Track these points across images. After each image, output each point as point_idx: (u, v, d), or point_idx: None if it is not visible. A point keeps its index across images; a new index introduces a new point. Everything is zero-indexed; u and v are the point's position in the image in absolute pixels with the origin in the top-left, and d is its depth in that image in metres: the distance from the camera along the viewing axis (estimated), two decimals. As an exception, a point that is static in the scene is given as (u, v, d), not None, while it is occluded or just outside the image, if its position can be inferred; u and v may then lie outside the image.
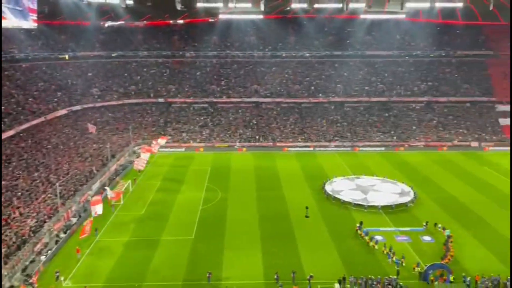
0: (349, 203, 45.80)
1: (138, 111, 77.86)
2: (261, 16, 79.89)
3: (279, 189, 51.32)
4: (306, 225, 40.91)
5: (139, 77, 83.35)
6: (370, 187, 50.49)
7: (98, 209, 39.21)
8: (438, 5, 68.36)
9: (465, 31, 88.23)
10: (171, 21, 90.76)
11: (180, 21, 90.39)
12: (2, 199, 38.98)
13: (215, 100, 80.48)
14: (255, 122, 77.05)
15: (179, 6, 56.50)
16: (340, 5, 65.03)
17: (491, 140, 71.91)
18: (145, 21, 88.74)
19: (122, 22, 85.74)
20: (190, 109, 79.97)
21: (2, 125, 51.11)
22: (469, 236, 38.25)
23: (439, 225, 39.81)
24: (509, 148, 69.44)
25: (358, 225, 39.55)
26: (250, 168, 60.55)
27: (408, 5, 65.44)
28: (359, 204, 45.25)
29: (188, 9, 65.69)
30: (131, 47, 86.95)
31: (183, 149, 70.14)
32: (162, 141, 66.41)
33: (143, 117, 77.11)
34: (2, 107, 54.81)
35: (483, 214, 43.35)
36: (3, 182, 41.77)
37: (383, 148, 70.42)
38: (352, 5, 65.06)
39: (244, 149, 70.40)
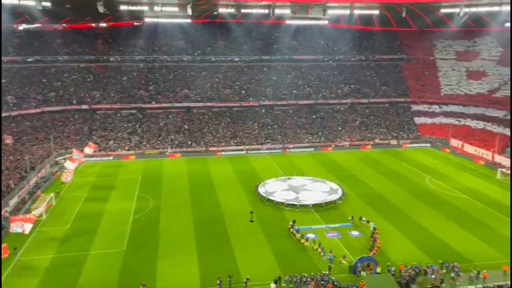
0: (282, 203, 46.89)
1: (60, 119, 73.20)
2: (189, 20, 79.33)
3: (213, 194, 51.10)
4: (241, 228, 41.16)
5: (59, 83, 78.45)
6: (302, 187, 52.13)
7: (26, 227, 36.08)
8: (357, 12, 72.80)
9: (382, 37, 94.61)
10: (93, 24, 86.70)
11: (104, 25, 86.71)
12: None
13: (143, 105, 78.18)
14: (186, 127, 76.07)
15: (101, 9, 54.12)
16: (267, 11, 66.63)
17: (408, 138, 77.73)
18: (64, 24, 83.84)
19: (39, 24, 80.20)
20: (117, 115, 76.85)
21: None
22: (392, 228, 40.93)
23: (364, 219, 42.25)
24: (423, 144, 75.60)
25: (291, 223, 40.73)
26: (183, 174, 59.63)
27: (330, 11, 68.96)
28: (291, 204, 46.49)
29: (111, 12, 63.21)
30: (50, 51, 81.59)
31: (110, 158, 67.18)
32: (89, 149, 63.08)
33: (66, 125, 72.63)
34: None
35: (403, 207, 46.67)
36: None
37: (312, 149, 73.10)
38: (278, 11, 66.93)
39: (176, 155, 69.17)
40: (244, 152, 71.28)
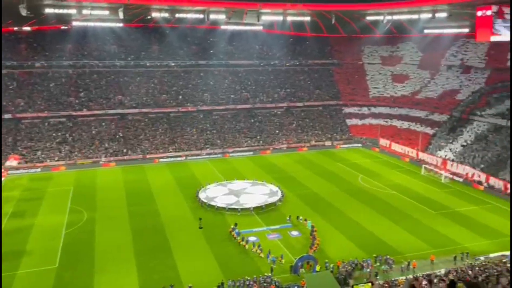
0: (223, 208, 46.92)
1: (-21, 130, 67.35)
2: (120, 24, 76.80)
3: (152, 202, 49.84)
4: (182, 235, 40.58)
5: (-23, 90, 72.21)
6: (242, 191, 52.53)
7: None
8: (289, 18, 75.12)
9: (314, 42, 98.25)
10: (15, 28, 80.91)
11: (27, 28, 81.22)
12: None
13: (74, 113, 74.26)
14: (121, 135, 73.44)
15: (24, 12, 50.67)
16: (202, 16, 66.51)
17: (341, 139, 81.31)
18: (-19, 27, 77.35)
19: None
20: (44, 124, 72.23)
21: None
22: (329, 226, 42.59)
23: (301, 217, 43.60)
24: (355, 145, 79.50)
25: (232, 226, 40.98)
26: (119, 183, 57.47)
27: (264, 17, 70.43)
28: (232, 208, 46.68)
29: (36, 15, 59.42)
30: (-35, 56, 74.86)
31: (38, 170, 62.99)
32: (13, 162, 58.64)
33: (-14, 136, 66.96)
34: None
35: (339, 205, 48.75)
36: None
37: (251, 153, 73.94)
38: (213, 16, 67.08)
39: (111, 164, 66.54)
40: (183, 158, 70.34)
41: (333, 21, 70.04)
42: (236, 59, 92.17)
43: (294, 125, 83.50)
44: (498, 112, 66.45)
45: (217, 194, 51.33)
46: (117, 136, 72.98)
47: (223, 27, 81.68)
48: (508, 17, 56.06)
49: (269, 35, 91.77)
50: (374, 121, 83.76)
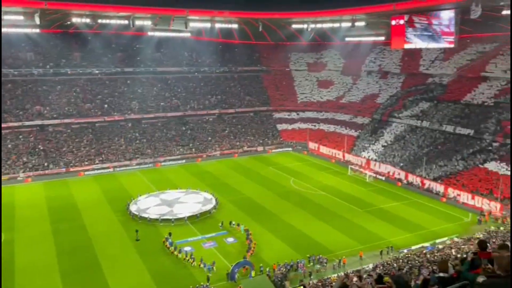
0: (156, 219, 45.61)
1: None
2: (37, 30, 71.94)
3: (78, 218, 46.96)
4: (113, 250, 38.75)
5: None
6: (175, 200, 51.47)
7: None
8: (217, 25, 75.51)
9: (243, 49, 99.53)
10: None
11: None
12: None
13: (-15, 126, 67.90)
14: (41, 148, 68.49)
15: None
16: (126, 22, 64.51)
17: (272, 143, 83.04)
18: None
19: None
20: (-50, 139, 65.25)
21: None
22: (264, 230, 43.19)
23: (233, 223, 43.81)
24: (286, 149, 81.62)
25: (166, 236, 40.05)
26: (41, 200, 53.44)
27: (192, 24, 70.10)
28: (166, 219, 45.53)
29: None
30: None
31: None
32: None
33: None
34: None
35: (272, 209, 49.65)
36: None
37: (184, 161, 72.78)
38: (138, 22, 65.39)
39: (30, 179, 61.75)
40: (111, 170, 67.30)
41: (260, 29, 71.67)
42: (165, 66, 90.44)
43: (226, 131, 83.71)
44: (413, 114, 72.07)
45: (149, 205, 49.77)
46: (37, 150, 67.96)
47: (149, 33, 79.86)
48: (418, 26, 61.25)
49: (198, 42, 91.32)
50: (303, 126, 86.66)
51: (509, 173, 50.79)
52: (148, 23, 68.37)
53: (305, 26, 73.96)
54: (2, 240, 40.96)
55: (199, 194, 53.80)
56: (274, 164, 71.32)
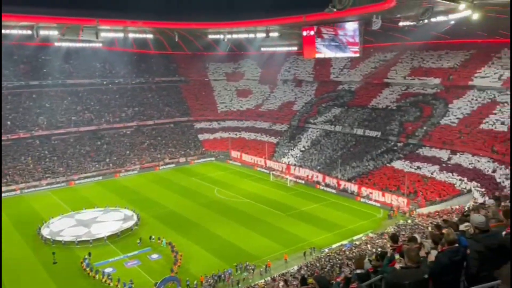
0: (72, 241, 42.63)
1: None
2: None
3: (-20, 249, 42.22)
4: (23, 279, 35.42)
5: None
6: (93, 220, 48.57)
7: None
8: (131, 35, 73.37)
9: (159, 60, 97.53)
10: None
11: None
12: None
13: None
14: None
15: None
16: (30, 32, 60.06)
17: (195, 154, 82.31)
18: None
19: None
20: None
21: None
22: (190, 243, 42.52)
23: (153, 237, 42.61)
24: (209, 159, 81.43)
25: (86, 256, 37.78)
26: None
27: (103, 34, 67.29)
28: (83, 241, 42.76)
29: None
30: None
31: None
32: None
33: None
34: None
35: (197, 220, 49.11)
36: None
37: (100, 177, 69.03)
38: (43, 32, 61.23)
39: None
40: (18, 192, 61.58)
41: (176, 39, 70.96)
42: (75, 78, 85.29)
43: (146, 144, 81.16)
44: (327, 119, 76.27)
45: (63, 227, 46.36)
46: None
47: (56, 44, 74.88)
48: (326, 36, 65.17)
49: (111, 53, 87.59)
50: (224, 135, 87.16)
51: (413, 170, 55.98)
52: (54, 33, 64.17)
53: (221, 36, 74.83)
54: None
55: (119, 212, 51.37)
56: (197, 175, 70.67)
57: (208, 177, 69.22)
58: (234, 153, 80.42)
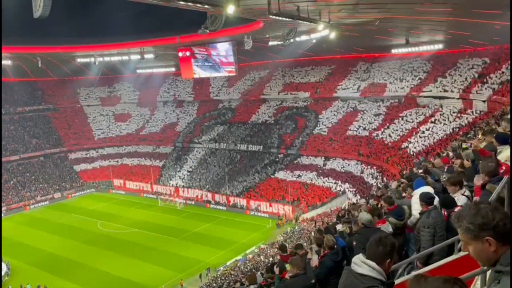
0: None
1: None
2: None
3: None
4: None
5: None
6: None
7: None
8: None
9: (21, 87, 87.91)
10: None
11: None
12: None
13: None
14: None
15: None
16: None
17: (72, 187, 75.53)
18: None
19: None
20: None
21: None
22: (74, 285, 38.61)
23: (23, 286, 37.85)
24: (88, 191, 75.52)
25: None
26: None
27: None
28: None
29: None
30: None
31: None
32: None
33: None
34: None
35: (81, 259, 44.83)
36: None
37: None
38: None
39: None
40: None
41: (40, 65, 64.86)
42: None
43: (12, 182, 71.86)
44: (211, 138, 77.12)
45: None
46: None
47: None
48: (199, 56, 66.41)
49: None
50: (104, 163, 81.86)
51: (294, 178, 59.67)
52: None
53: (91, 59, 70.65)
54: None
55: (-17, 264, 44.32)
56: (76, 210, 64.83)
57: (89, 210, 64.03)
58: (117, 182, 75.96)
